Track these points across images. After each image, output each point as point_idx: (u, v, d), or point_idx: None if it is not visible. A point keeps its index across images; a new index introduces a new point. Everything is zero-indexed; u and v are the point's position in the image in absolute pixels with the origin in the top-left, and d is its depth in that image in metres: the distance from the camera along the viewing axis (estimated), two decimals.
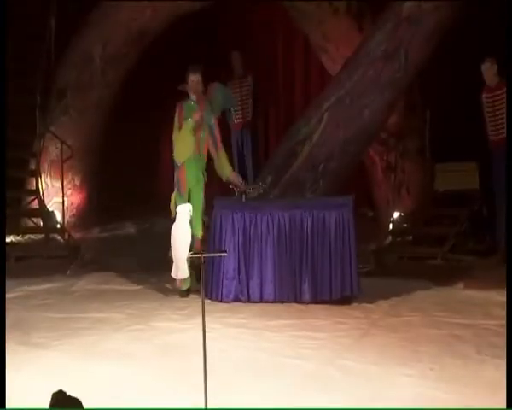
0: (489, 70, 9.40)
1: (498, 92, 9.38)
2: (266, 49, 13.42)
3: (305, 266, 7.74)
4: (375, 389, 5.19)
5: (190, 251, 5.62)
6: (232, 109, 10.85)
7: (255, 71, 11.75)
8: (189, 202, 7.53)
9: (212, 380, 4.81)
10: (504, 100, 9.21)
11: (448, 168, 10.49)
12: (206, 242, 8.09)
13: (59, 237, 10.81)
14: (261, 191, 8.44)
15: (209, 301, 7.61)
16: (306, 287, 7.72)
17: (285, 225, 7.82)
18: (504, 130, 9.22)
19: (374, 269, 9.08)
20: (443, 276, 8.67)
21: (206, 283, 7.65)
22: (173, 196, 8.02)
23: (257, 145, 11.72)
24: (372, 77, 9.19)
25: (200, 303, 4.98)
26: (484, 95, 9.53)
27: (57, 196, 11.40)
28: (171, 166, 8.32)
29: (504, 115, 9.21)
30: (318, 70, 12.56)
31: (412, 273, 8.74)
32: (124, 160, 12.55)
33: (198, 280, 6.70)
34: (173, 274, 5.90)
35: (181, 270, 5.83)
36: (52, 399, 3.96)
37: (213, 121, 8.15)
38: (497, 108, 9.40)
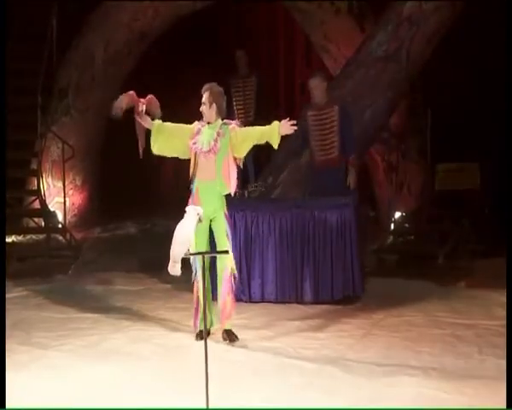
0: (318, 87, 8.25)
1: (326, 111, 8.26)
2: (267, 49, 13.43)
3: (306, 266, 7.73)
4: (377, 389, 5.18)
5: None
6: (235, 109, 10.83)
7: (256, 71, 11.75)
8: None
9: (213, 380, 4.80)
10: (334, 119, 8.20)
11: (449, 168, 10.49)
12: None
13: (60, 237, 10.81)
14: (263, 189, 8.42)
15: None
16: (308, 287, 7.71)
17: (286, 224, 7.81)
18: (335, 149, 8.25)
19: (375, 269, 9.07)
20: (444, 276, 8.67)
21: None
22: None
23: (258, 146, 11.68)
24: (373, 77, 9.20)
25: None
26: (309, 113, 8.36)
27: (58, 196, 11.40)
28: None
29: (335, 134, 8.22)
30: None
31: (414, 273, 8.73)
32: (125, 160, 12.52)
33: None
34: (169, 269, 5.93)
35: (175, 268, 5.85)
36: None
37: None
38: (327, 126, 8.24)
